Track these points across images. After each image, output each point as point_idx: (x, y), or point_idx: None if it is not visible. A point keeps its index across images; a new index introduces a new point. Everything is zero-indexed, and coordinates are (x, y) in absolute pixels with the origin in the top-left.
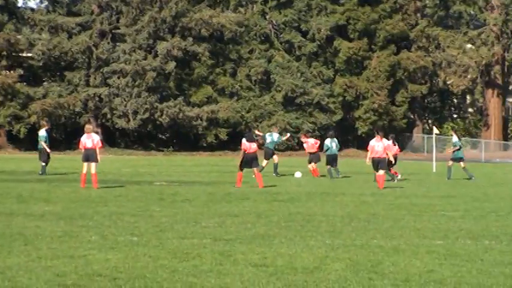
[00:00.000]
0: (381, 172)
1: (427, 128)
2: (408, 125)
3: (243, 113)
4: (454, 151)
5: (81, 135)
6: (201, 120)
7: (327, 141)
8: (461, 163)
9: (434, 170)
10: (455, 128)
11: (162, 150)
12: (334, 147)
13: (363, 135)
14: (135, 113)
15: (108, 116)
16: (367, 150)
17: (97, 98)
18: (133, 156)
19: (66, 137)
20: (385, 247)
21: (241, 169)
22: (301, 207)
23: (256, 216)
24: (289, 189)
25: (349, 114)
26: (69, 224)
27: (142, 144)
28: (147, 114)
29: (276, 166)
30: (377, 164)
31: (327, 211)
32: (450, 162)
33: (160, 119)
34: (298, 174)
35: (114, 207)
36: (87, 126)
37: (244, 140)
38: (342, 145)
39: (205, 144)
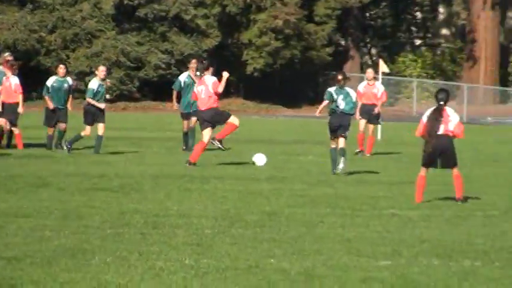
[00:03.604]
0: None
1: (369, 62)
2: (336, 58)
3: (42, 34)
4: None
5: None
6: None
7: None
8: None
9: (379, 136)
10: None
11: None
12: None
13: (255, 74)
14: None
15: None
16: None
17: None
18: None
19: None
20: (289, 272)
21: None
22: (144, 201)
23: (62, 217)
24: (125, 171)
25: (232, 38)
26: None
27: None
28: None
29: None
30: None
31: (189, 208)
32: None
33: None
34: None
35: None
36: None
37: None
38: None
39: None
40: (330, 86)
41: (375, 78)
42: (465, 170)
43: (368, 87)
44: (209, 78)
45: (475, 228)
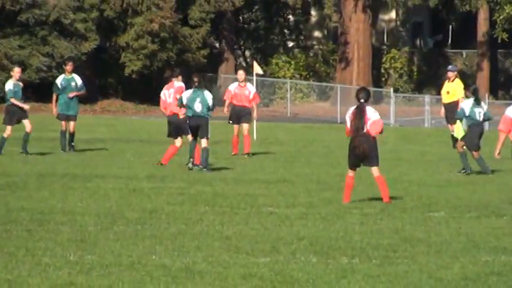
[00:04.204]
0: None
1: (244, 64)
2: (211, 60)
3: None
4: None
5: None
6: None
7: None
8: None
9: (255, 136)
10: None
11: None
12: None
13: (134, 75)
14: None
15: None
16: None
17: None
18: None
19: None
20: (171, 268)
21: None
22: (30, 199)
23: None
24: (11, 170)
25: (110, 41)
26: None
27: None
28: None
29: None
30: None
31: (73, 206)
32: None
33: None
34: None
35: None
36: None
37: None
38: (99, 91)
39: None
40: (206, 87)
41: (247, 80)
42: (341, 169)
43: (240, 88)
44: (177, 83)
45: (352, 226)
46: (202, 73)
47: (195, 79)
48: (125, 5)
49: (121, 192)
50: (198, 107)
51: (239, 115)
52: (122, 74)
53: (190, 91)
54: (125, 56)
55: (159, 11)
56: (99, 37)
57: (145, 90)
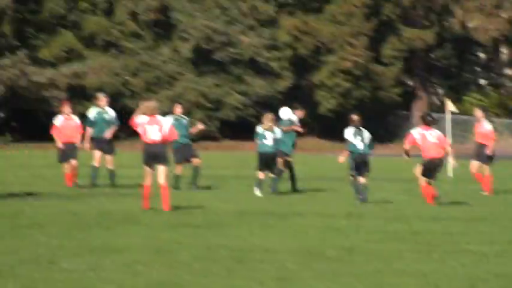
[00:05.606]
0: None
1: (437, 102)
2: (404, 98)
3: (126, 77)
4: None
5: None
6: (58, 89)
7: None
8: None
9: (450, 173)
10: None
11: None
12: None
13: (329, 113)
14: None
15: None
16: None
17: None
18: None
19: None
20: None
21: None
22: (229, 236)
23: (153, 253)
24: (210, 208)
25: (304, 79)
26: None
27: None
28: None
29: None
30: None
31: (272, 244)
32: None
33: None
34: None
35: None
36: None
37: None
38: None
39: None
40: (400, 125)
41: (483, 118)
42: None
43: (477, 126)
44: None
45: None
46: (396, 110)
47: (354, 118)
48: (317, 43)
49: (319, 229)
50: (360, 145)
51: (480, 153)
52: (317, 112)
53: (351, 131)
54: (319, 93)
55: (352, 49)
56: (293, 75)
57: (342, 128)
